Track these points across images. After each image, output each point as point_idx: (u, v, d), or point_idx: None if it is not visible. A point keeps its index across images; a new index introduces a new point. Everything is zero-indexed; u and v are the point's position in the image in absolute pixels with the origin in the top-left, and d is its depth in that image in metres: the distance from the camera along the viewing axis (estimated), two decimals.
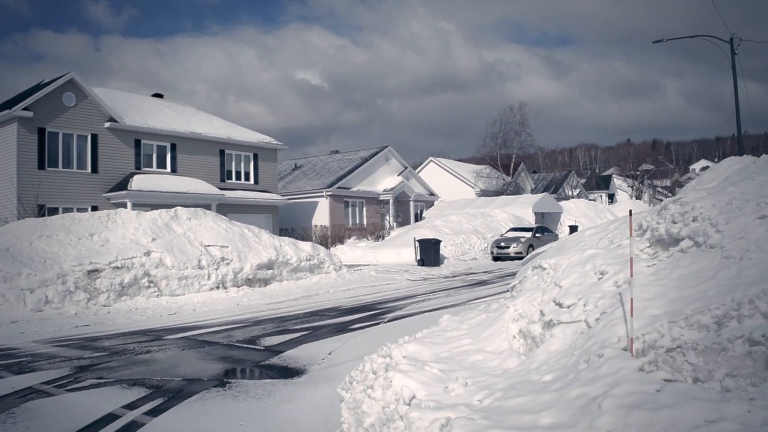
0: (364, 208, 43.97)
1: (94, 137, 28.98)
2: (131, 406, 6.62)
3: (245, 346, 10.31)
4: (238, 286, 18.44)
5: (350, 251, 33.99)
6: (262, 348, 10.06)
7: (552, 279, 6.75)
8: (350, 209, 42.94)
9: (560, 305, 5.98)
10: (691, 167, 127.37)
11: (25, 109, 26.30)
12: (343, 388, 6.56)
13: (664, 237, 6.65)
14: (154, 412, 6.41)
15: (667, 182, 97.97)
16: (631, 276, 4.92)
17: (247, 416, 6.26)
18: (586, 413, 3.92)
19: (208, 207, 28.70)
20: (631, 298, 4.72)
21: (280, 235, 31.36)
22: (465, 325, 7.16)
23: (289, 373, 8.21)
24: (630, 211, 5.52)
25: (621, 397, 3.99)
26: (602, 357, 4.61)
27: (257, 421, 6.12)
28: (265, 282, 19.51)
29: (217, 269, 18.19)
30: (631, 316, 4.68)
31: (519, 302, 6.66)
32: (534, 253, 10.23)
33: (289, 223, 39.64)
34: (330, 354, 9.37)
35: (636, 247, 6.77)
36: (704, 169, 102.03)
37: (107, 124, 29.33)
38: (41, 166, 26.95)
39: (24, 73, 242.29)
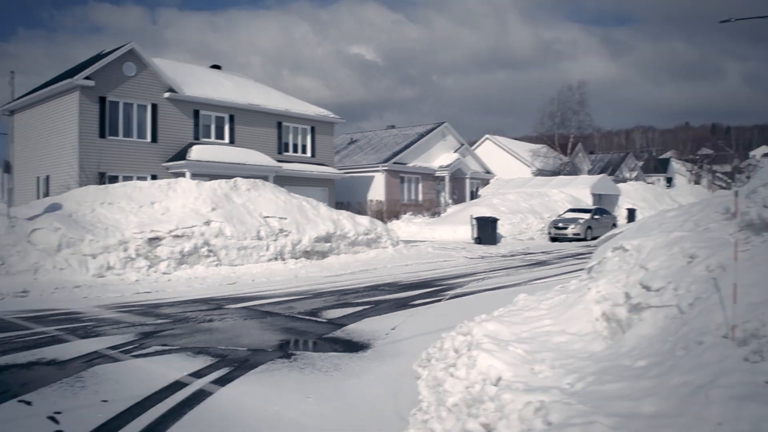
0: (420, 184, 43.72)
1: (154, 107, 29.23)
2: (198, 375, 6.53)
3: (307, 318, 10.20)
4: (296, 258, 18.41)
5: (406, 227, 33.85)
6: (325, 321, 9.93)
7: (636, 261, 6.42)
8: (406, 185, 42.73)
9: (648, 288, 5.67)
10: (751, 153, 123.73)
11: (86, 78, 26.62)
12: (420, 365, 6.37)
13: (756, 221, 6.28)
14: (221, 381, 6.31)
15: (728, 168, 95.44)
16: (735, 260, 4.59)
17: (314, 389, 6.12)
18: (692, 403, 3.65)
19: (265, 179, 28.71)
20: (735, 284, 4.41)
21: (336, 208, 31.33)
22: (543, 306, 6.89)
23: (353, 347, 8.06)
24: (736, 192, 5.19)
25: (729, 387, 3.70)
26: (702, 344, 4.32)
27: (325, 394, 5.97)
28: (323, 255, 19.45)
29: (275, 240, 18.16)
30: (734, 302, 4.37)
31: (601, 284, 6.36)
32: (609, 233, 9.90)
33: (345, 198, 39.59)
34: (393, 329, 9.20)
35: (725, 231, 6.42)
36: (766, 155, 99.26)
37: (167, 95, 29.53)
38: (102, 135, 27.29)
39: (82, 45, 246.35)
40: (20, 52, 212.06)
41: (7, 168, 17.69)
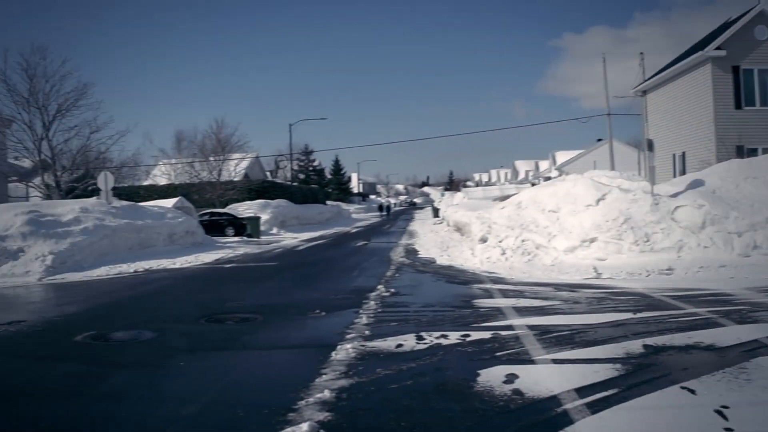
0: None
1: None
2: None
3: None
4: None
5: None
6: None
7: None
8: None
9: None
10: None
11: (717, 48, 25.75)
12: None
13: None
14: None
15: None
16: None
17: None
18: None
19: None
20: None
21: None
22: None
23: None
24: None
25: None
26: None
27: None
28: None
29: None
30: None
31: None
32: None
33: None
34: None
35: None
36: None
37: None
38: (737, 106, 26.08)
39: (697, 18, 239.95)
40: (639, 35, 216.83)
41: (651, 146, 18.18)
